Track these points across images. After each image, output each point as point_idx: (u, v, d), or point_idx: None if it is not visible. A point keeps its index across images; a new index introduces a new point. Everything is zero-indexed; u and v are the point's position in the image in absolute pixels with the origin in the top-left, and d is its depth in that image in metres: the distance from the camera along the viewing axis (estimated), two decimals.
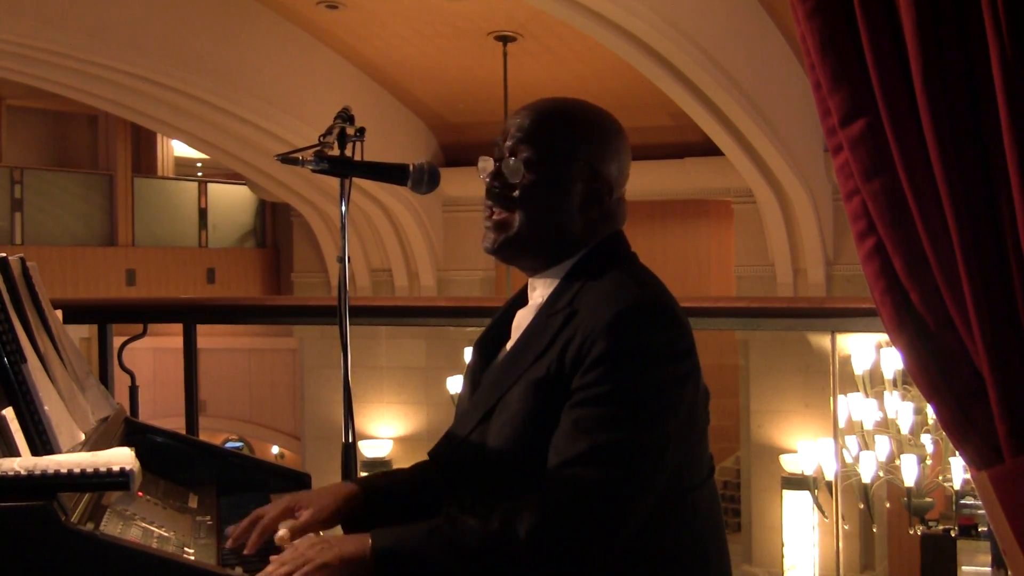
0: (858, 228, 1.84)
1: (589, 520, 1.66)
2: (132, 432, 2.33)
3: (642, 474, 1.69)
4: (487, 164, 1.92)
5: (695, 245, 14.34)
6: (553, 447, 1.72)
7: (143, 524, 1.84)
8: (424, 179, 2.07)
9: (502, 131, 1.92)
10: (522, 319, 1.93)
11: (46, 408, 1.86)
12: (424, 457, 2.04)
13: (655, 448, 1.71)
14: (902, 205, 1.74)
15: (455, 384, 9.86)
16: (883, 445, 6.86)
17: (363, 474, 2.12)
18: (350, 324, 2.09)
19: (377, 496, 1.96)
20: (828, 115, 1.83)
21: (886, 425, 7.00)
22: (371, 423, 12.44)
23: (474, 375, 2.01)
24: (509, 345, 1.94)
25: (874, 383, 7.01)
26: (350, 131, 2.08)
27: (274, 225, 15.33)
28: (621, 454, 1.68)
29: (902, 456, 6.69)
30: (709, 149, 10.35)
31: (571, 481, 1.67)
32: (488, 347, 2.02)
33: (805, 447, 7.92)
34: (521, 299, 2.01)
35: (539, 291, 1.92)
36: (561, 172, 1.86)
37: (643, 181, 11.32)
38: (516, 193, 1.87)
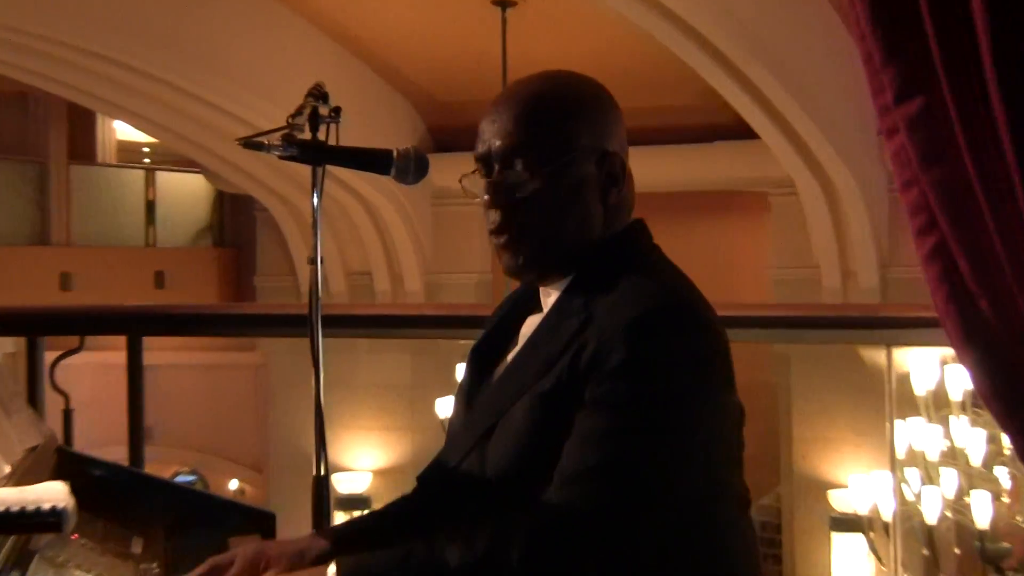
0: (917, 223, 1.84)
1: (592, 546, 1.66)
2: (66, 464, 2.33)
3: (657, 497, 1.69)
4: (473, 185, 1.92)
5: (725, 244, 14.31)
6: (559, 463, 1.73)
7: (78, 572, 1.84)
8: (410, 167, 2.07)
9: (480, 140, 1.91)
10: (532, 326, 1.94)
11: None
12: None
13: (674, 468, 1.71)
14: (968, 196, 1.73)
15: (446, 407, 9.84)
16: (950, 479, 6.84)
17: (338, 516, 2.11)
18: (323, 336, 2.09)
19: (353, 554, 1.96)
20: (881, 92, 1.83)
21: (953, 456, 6.98)
22: (347, 453, 12.42)
23: (468, 392, 2.01)
24: (513, 354, 1.94)
25: (938, 406, 6.99)
26: (324, 111, 2.09)
27: (234, 220, 15.33)
28: (632, 472, 1.68)
29: (972, 492, 6.67)
30: (742, 132, 10.35)
31: (573, 500, 1.67)
32: (486, 358, 2.03)
33: (857, 482, 7.89)
34: (528, 300, 2.01)
35: (554, 296, 1.93)
36: (569, 165, 1.87)
37: (664, 169, 11.35)
38: (528, 205, 1.87)
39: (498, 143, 1.88)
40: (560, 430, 1.75)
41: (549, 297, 1.94)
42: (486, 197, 1.90)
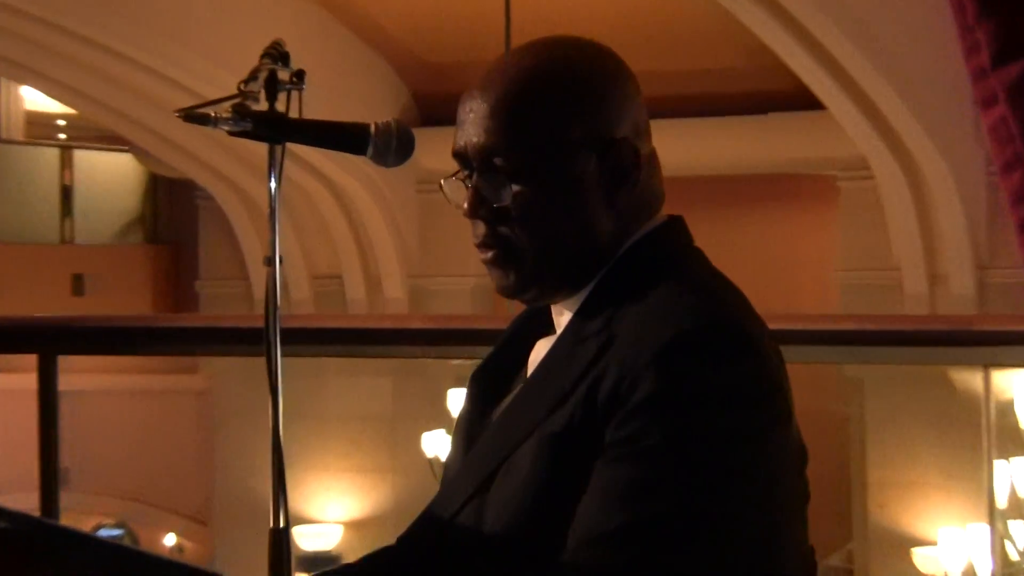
0: (1021, 214, 1.85)
1: None
2: None
3: (698, 567, 1.70)
4: (455, 191, 1.93)
5: (781, 241, 14.32)
6: (574, 522, 1.73)
7: None
8: (391, 145, 2.08)
9: (457, 132, 1.91)
10: (544, 351, 1.94)
11: None
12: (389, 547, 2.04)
13: (720, 529, 1.71)
14: None
15: (435, 443, 9.85)
16: None
17: None
18: (283, 355, 2.10)
19: None
20: (975, 52, 1.84)
21: None
22: (312, 500, 12.42)
23: (469, 428, 2.01)
24: (520, 385, 1.95)
25: None
26: (283, 75, 2.09)
27: (171, 211, 15.35)
28: (668, 534, 1.68)
29: None
30: (803, 101, 10.36)
31: (592, 570, 1.67)
32: (491, 387, 2.03)
33: (949, 536, 7.89)
34: (540, 321, 2.02)
35: (567, 315, 1.94)
36: (563, 161, 1.87)
37: (705, 148, 11.37)
38: (514, 213, 1.88)
39: (475, 139, 1.88)
40: (575, 480, 1.75)
41: (562, 316, 1.94)
42: (464, 206, 1.91)
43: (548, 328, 2.00)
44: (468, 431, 2.02)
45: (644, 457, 1.70)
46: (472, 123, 1.89)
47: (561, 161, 1.86)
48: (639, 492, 1.69)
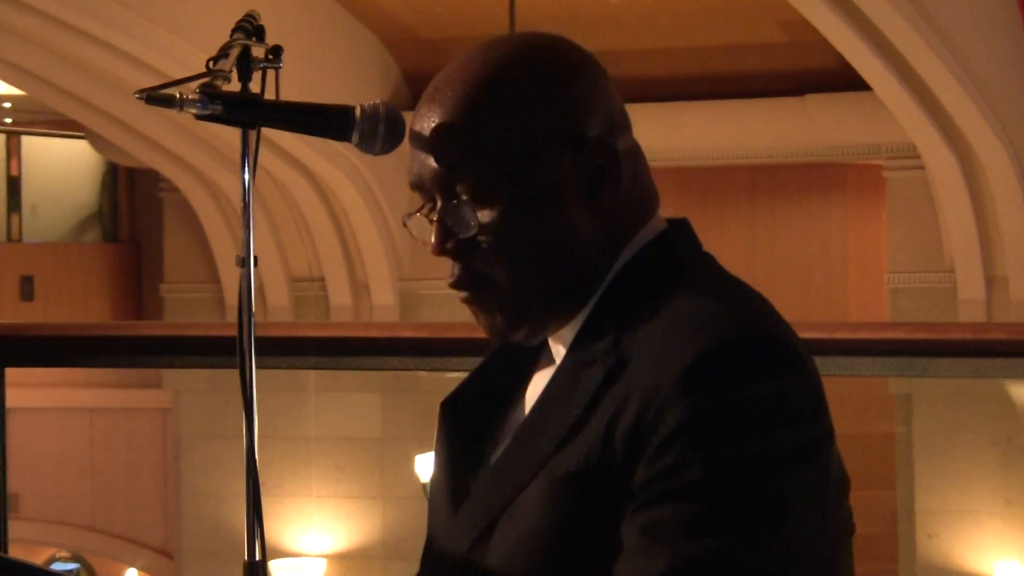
0: None
1: None
2: None
3: None
4: (421, 228, 1.90)
5: (820, 237, 14.34)
6: (616, 570, 1.72)
7: None
8: (379, 130, 2.07)
9: (411, 160, 1.90)
10: (542, 383, 1.93)
11: None
12: None
13: (773, 562, 1.71)
14: None
15: (429, 466, 9.85)
16: None
17: None
18: (258, 368, 2.10)
19: None
20: None
21: None
22: (292, 530, 12.43)
23: (450, 459, 2.00)
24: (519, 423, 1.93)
25: None
26: (258, 52, 2.09)
27: (132, 206, 15.35)
28: (720, 573, 1.68)
29: None
30: (845, 81, 10.37)
31: None
32: (471, 420, 2.02)
33: (1007, 571, 7.89)
34: (538, 351, 2.00)
35: (568, 340, 1.92)
36: (531, 171, 1.84)
37: (736, 133, 11.37)
38: (485, 243, 1.86)
39: (428, 165, 1.87)
40: (593, 525, 1.75)
41: (559, 346, 1.92)
42: (432, 242, 1.87)
43: (543, 357, 1.97)
44: (450, 463, 1.99)
45: (686, 492, 1.68)
46: (423, 146, 1.87)
47: (529, 170, 1.83)
48: (685, 530, 1.67)
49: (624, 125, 1.90)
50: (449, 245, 1.86)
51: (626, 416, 1.73)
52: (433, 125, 1.86)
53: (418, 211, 1.92)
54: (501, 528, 1.82)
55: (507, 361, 2.02)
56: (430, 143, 1.87)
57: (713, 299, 1.80)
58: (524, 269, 1.85)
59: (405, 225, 1.95)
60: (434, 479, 2.04)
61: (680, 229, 1.92)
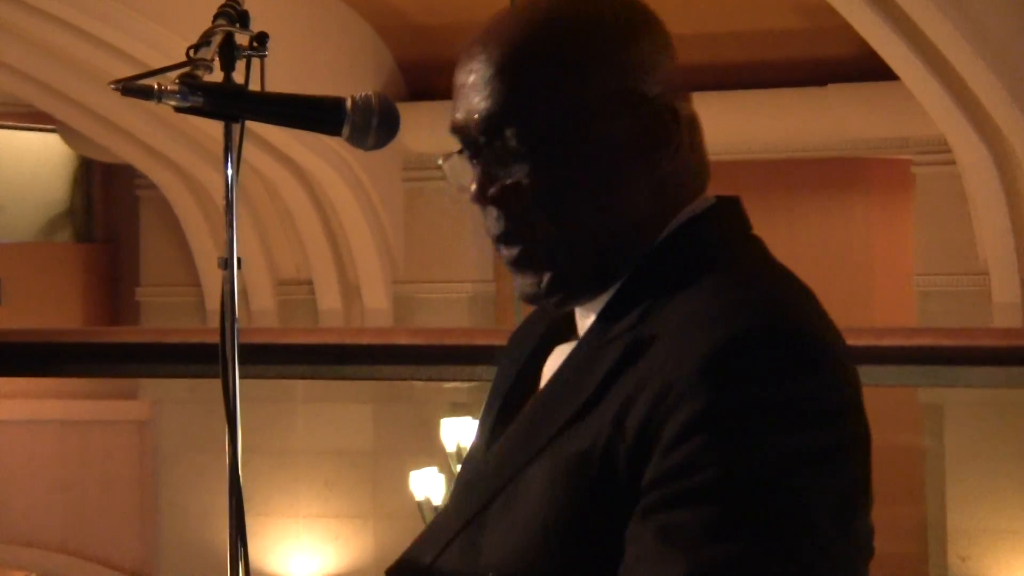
0: None
1: None
2: None
3: None
4: (458, 171, 1.90)
5: (842, 238, 14.34)
6: (622, 572, 1.72)
7: None
8: (371, 123, 2.08)
9: (456, 102, 1.89)
10: (560, 358, 1.93)
11: None
12: None
13: (797, 572, 1.70)
14: None
15: (425, 482, 9.86)
16: None
17: None
18: (242, 376, 2.10)
19: None
20: None
21: None
22: (277, 550, 12.45)
23: (472, 461, 2.01)
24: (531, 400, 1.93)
25: None
26: (242, 39, 2.10)
27: (107, 204, 15.37)
28: None
29: None
30: (870, 70, 10.38)
31: None
32: (504, 412, 2.01)
33: None
34: (561, 324, 1.99)
35: (594, 316, 1.91)
36: (589, 124, 1.84)
37: (753, 125, 11.39)
38: (534, 194, 1.86)
39: (479, 106, 1.85)
40: (597, 512, 1.74)
41: (587, 319, 1.91)
42: (472, 188, 1.87)
43: (568, 332, 1.96)
44: (475, 447, 2.00)
45: (705, 494, 1.67)
46: (474, 88, 1.86)
47: (586, 122, 1.84)
48: (704, 534, 1.67)
49: (683, 89, 1.90)
50: (493, 191, 1.85)
51: (641, 400, 1.72)
52: (490, 65, 1.85)
53: (458, 152, 1.89)
54: (500, 505, 1.82)
55: (527, 344, 2.03)
56: (483, 84, 1.86)
57: (749, 285, 1.80)
58: (573, 225, 1.84)
59: (442, 166, 1.93)
60: (458, 478, 2.06)
61: (729, 206, 1.92)
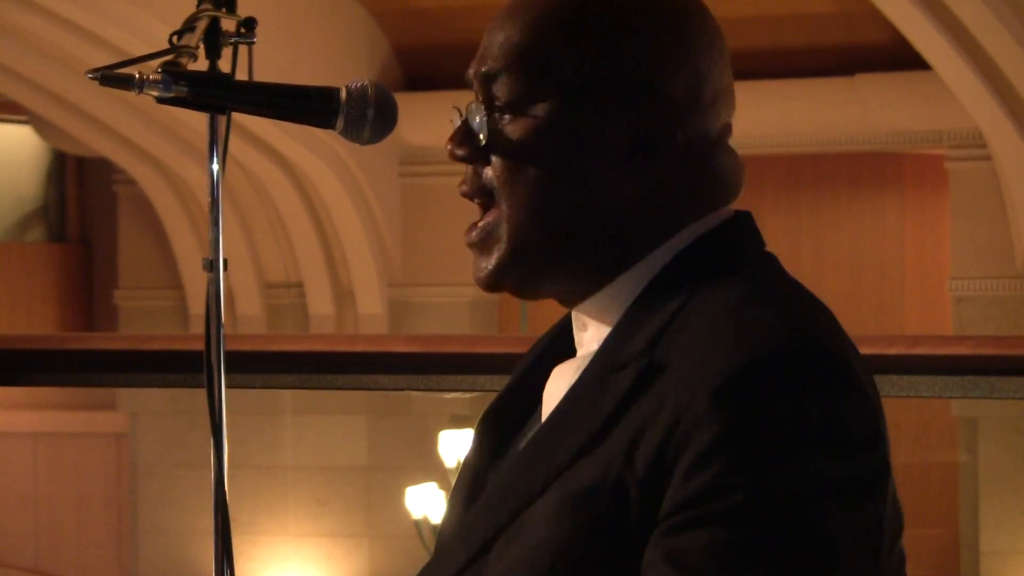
0: None
1: None
2: None
3: None
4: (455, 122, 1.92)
5: (873, 237, 14.36)
6: None
7: None
8: (367, 115, 2.09)
9: (476, 55, 1.93)
10: (563, 379, 1.93)
11: None
12: None
13: None
14: None
15: (422, 499, 9.88)
16: None
17: None
18: (228, 386, 2.11)
19: None
20: None
21: None
22: (265, 572, 12.45)
23: (473, 483, 2.01)
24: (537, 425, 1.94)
25: None
26: (229, 25, 2.11)
27: (83, 200, 15.39)
28: None
29: None
30: (902, 59, 10.40)
31: None
32: (503, 431, 2.02)
33: None
34: (560, 342, 2.01)
35: (592, 331, 1.92)
36: (571, 106, 1.86)
37: (778, 117, 11.39)
38: (499, 159, 1.88)
39: (488, 60, 1.89)
40: (608, 551, 1.75)
41: (585, 332, 1.93)
42: (451, 148, 1.90)
43: (564, 350, 1.98)
44: (471, 486, 2.00)
45: (723, 518, 1.67)
46: (490, 44, 1.89)
47: (570, 103, 1.85)
48: (720, 560, 1.67)
49: (714, 100, 1.90)
50: (462, 151, 1.88)
51: (654, 431, 1.72)
52: (502, 27, 1.88)
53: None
54: (504, 542, 1.82)
55: (543, 361, 2.02)
56: (491, 43, 1.88)
57: (766, 304, 1.80)
58: (531, 200, 1.86)
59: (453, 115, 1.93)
60: (454, 489, 2.05)
61: (740, 223, 1.92)
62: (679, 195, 1.88)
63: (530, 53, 1.85)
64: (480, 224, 1.89)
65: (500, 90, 1.86)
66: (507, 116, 1.86)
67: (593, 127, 1.85)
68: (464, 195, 1.91)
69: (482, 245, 1.89)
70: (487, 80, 1.87)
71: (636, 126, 1.85)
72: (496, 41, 1.88)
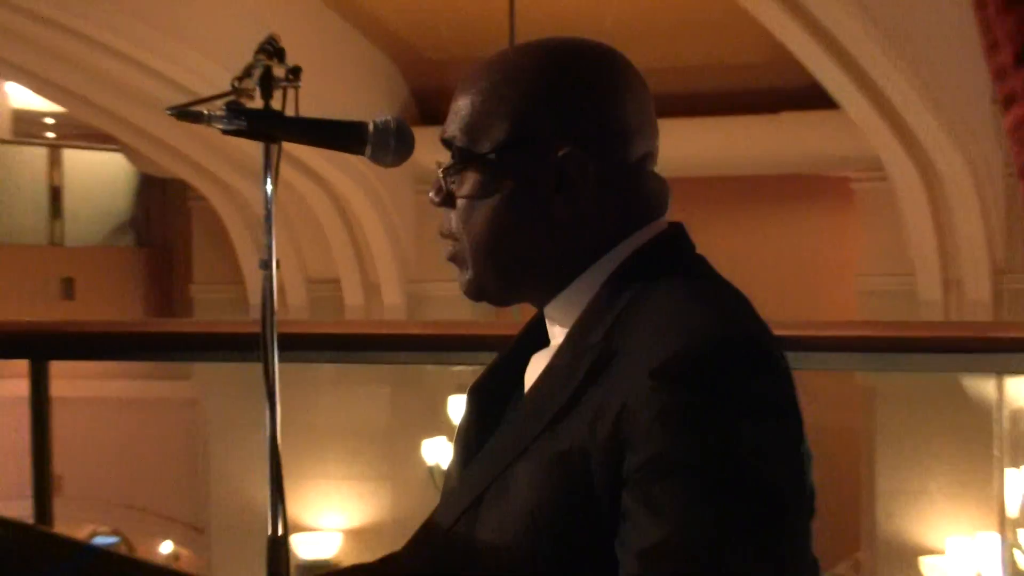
0: None
1: None
2: None
3: (761, 574, 1.69)
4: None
5: (795, 244, 14.34)
6: (620, 544, 1.72)
7: None
8: (390, 143, 2.09)
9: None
10: (539, 365, 1.94)
11: None
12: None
13: (770, 537, 1.71)
14: None
15: (435, 451, 9.87)
16: None
17: None
18: (279, 361, 2.10)
19: None
20: (996, 49, 1.84)
21: None
22: (310, 509, 12.44)
23: (467, 440, 2.02)
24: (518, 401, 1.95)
25: None
26: (279, 71, 2.10)
27: (163, 213, 15.35)
28: (725, 543, 1.67)
29: None
30: (817, 99, 10.36)
31: None
32: (490, 399, 2.03)
33: (958, 546, 7.91)
34: (536, 332, 2.02)
35: (558, 327, 1.93)
36: (508, 158, 1.87)
37: (716, 147, 11.37)
38: (461, 205, 1.91)
39: (448, 127, 1.91)
40: (575, 507, 1.76)
41: (553, 327, 1.95)
42: (432, 198, 1.93)
43: (542, 340, 1.99)
44: (466, 445, 2.00)
45: (677, 468, 1.68)
46: (450, 113, 1.92)
47: (508, 155, 1.86)
48: (684, 502, 1.68)
49: (628, 138, 1.90)
50: (437, 198, 1.92)
51: (611, 406, 1.73)
52: (459, 96, 1.90)
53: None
54: (488, 503, 1.84)
55: (522, 345, 2.04)
56: (452, 111, 1.91)
57: (698, 299, 1.80)
58: (478, 237, 1.89)
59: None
60: (455, 445, 2.07)
61: (674, 232, 1.93)
62: (607, 215, 1.89)
63: (470, 121, 1.88)
64: (447, 252, 1.94)
65: (455, 152, 1.89)
66: (460, 173, 1.89)
67: (522, 173, 1.87)
68: (441, 233, 1.95)
69: (457, 263, 1.94)
70: (447, 144, 1.91)
71: (555, 166, 1.86)
72: (453, 110, 1.91)
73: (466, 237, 1.89)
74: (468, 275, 1.92)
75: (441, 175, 1.91)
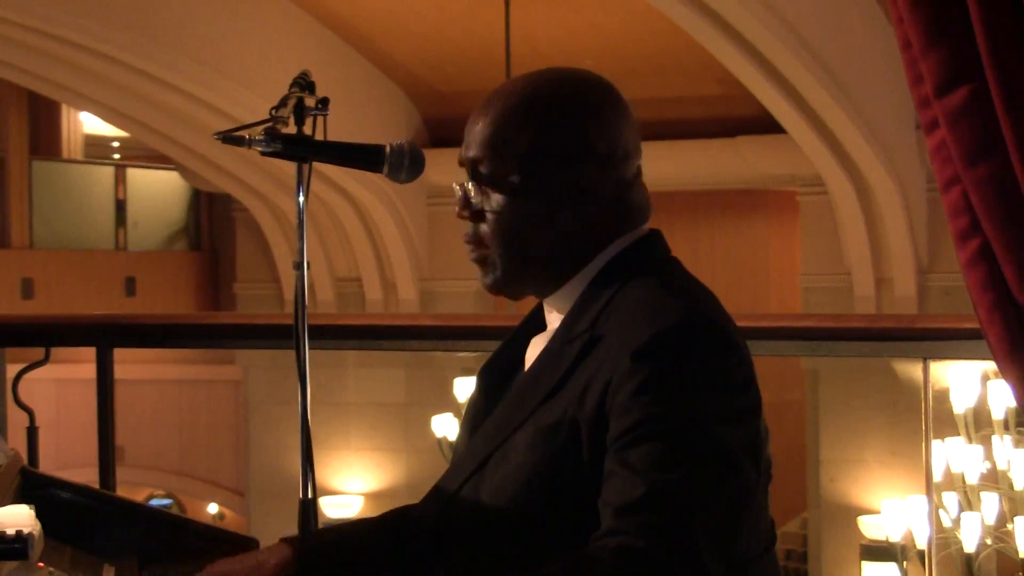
0: (958, 226, 1.85)
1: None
2: (31, 486, 2.33)
3: (723, 527, 1.68)
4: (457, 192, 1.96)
5: (749, 248, 14.34)
6: (602, 502, 1.71)
7: None
8: (404, 163, 2.08)
9: (463, 143, 1.95)
10: (538, 347, 1.94)
11: None
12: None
13: (732, 492, 1.70)
14: (1015, 197, 1.74)
15: (443, 425, 9.86)
16: (991, 504, 6.84)
17: None
18: (310, 348, 2.09)
19: (320, 560, 2.01)
20: (920, 82, 1.84)
21: (995, 479, 6.98)
22: (336, 475, 12.42)
23: (475, 414, 2.02)
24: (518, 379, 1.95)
25: (979, 425, 6.99)
26: (310, 102, 2.09)
27: (211, 222, 15.33)
28: (690, 498, 1.67)
29: (1016, 519, 6.67)
30: (768, 125, 10.35)
31: (634, 532, 1.65)
32: (496, 378, 2.03)
33: (891, 507, 7.89)
34: (538, 322, 2.02)
35: (555, 315, 1.95)
36: (531, 174, 1.88)
37: (682, 166, 11.36)
38: (488, 217, 1.92)
39: (467, 151, 1.92)
40: (565, 470, 1.77)
41: (551, 315, 1.96)
42: (456, 207, 1.94)
43: (540, 327, 2.00)
44: (474, 417, 2.02)
45: (650, 435, 1.69)
46: (470, 135, 1.93)
47: (530, 172, 1.87)
48: (659, 464, 1.67)
49: (626, 156, 1.92)
50: (465, 213, 1.93)
51: (597, 384, 1.75)
52: (478, 124, 1.91)
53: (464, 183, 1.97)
54: (491, 467, 1.85)
55: (524, 332, 2.05)
56: (473, 135, 1.92)
57: (671, 292, 1.82)
58: (509, 243, 1.90)
59: (455, 189, 1.97)
60: (463, 419, 2.08)
61: (653, 238, 1.94)
62: (606, 222, 1.91)
63: (494, 140, 1.89)
64: (474, 256, 1.95)
65: (479, 170, 1.90)
66: (486, 188, 1.90)
67: (544, 185, 1.88)
68: (467, 242, 1.96)
69: (480, 265, 1.95)
70: (472, 164, 1.92)
71: (573, 180, 1.87)
72: (473, 131, 1.92)
73: (497, 242, 1.90)
74: (495, 275, 1.92)
75: (468, 189, 1.92)
